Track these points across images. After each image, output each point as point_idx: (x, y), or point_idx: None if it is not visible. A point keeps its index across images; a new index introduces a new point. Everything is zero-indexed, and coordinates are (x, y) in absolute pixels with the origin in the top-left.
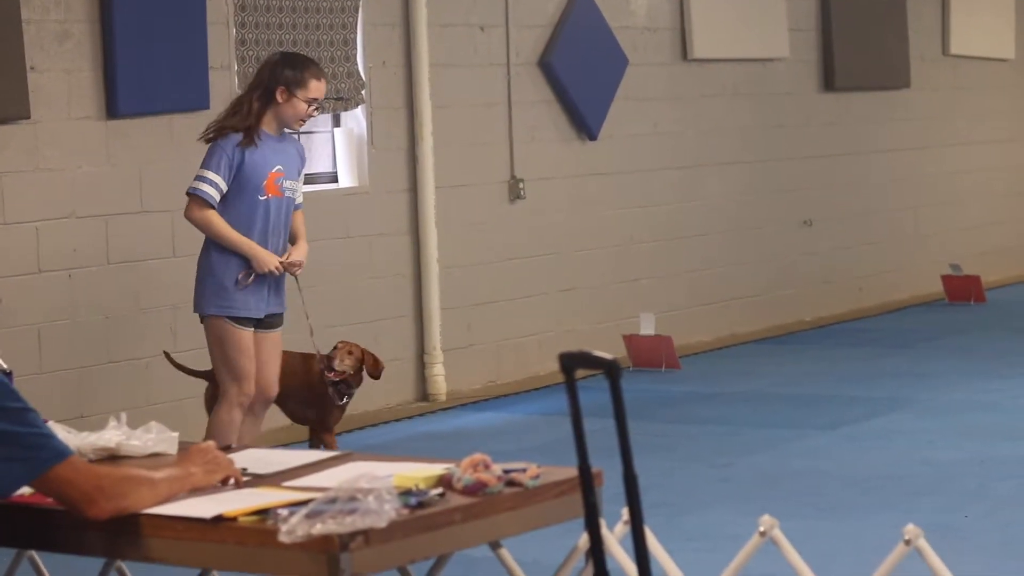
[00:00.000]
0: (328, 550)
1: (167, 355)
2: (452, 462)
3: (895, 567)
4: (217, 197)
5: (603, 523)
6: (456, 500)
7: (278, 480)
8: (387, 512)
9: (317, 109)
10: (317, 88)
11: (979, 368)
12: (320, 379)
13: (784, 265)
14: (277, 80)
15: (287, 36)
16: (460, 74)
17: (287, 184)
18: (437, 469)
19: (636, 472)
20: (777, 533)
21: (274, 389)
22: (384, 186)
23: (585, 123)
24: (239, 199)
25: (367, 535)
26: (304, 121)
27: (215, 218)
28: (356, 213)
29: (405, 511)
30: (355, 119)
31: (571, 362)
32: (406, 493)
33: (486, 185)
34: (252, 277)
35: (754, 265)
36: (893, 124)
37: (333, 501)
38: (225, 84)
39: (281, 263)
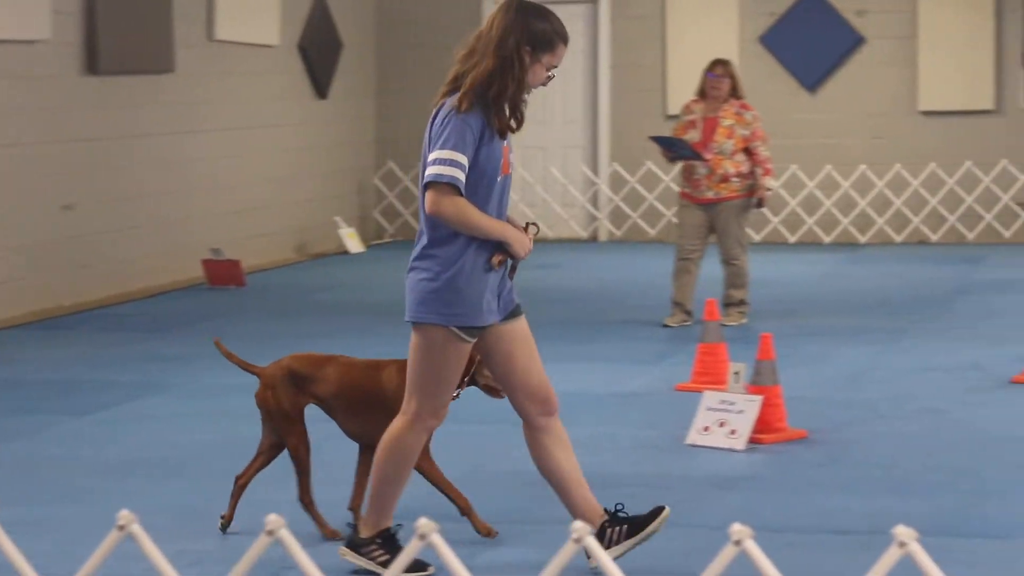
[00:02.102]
0: None
1: (218, 343)
2: None
3: (109, 552)
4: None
5: None
6: None
7: None
8: None
9: (549, 79)
10: (562, 53)
11: (236, 351)
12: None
13: (43, 249)
14: (523, 37)
15: None
16: None
17: (512, 158)
18: None
19: None
20: None
21: (552, 390)
22: None
23: None
24: (478, 182)
25: None
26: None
27: (469, 207)
28: None
29: None
30: None
31: None
32: None
33: None
34: (502, 261)
35: (11, 250)
36: (157, 109)
37: None
38: None
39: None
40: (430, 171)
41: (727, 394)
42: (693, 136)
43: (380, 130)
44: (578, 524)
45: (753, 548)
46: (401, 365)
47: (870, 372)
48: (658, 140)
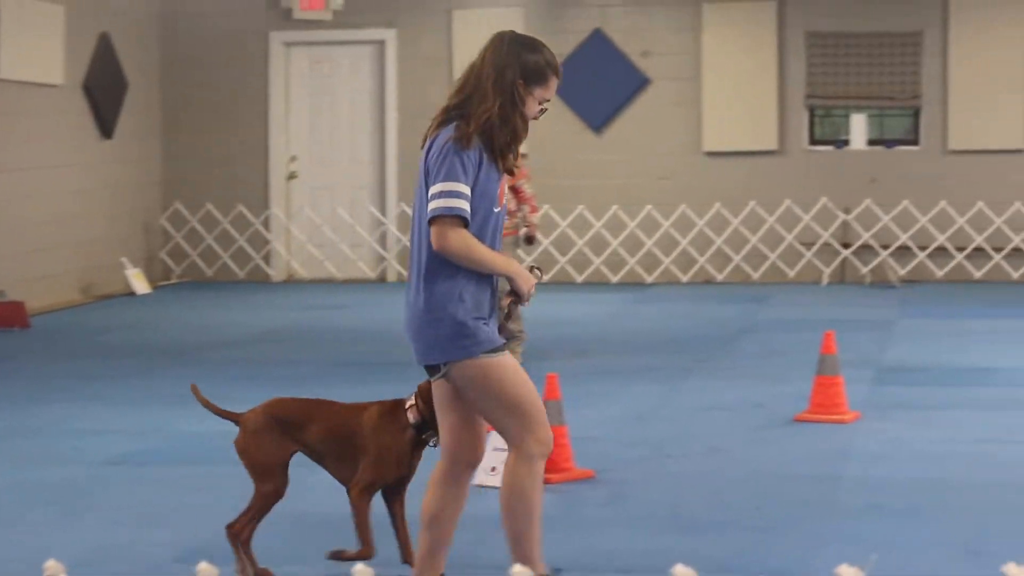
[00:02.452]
0: None
1: (194, 389)
2: None
3: None
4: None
5: None
6: None
7: None
8: None
9: (541, 112)
10: (555, 86)
11: (21, 394)
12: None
13: None
14: (516, 69)
15: None
16: None
17: (505, 188)
18: None
19: None
20: None
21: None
22: None
23: None
24: (474, 215)
25: None
26: None
27: (475, 241)
28: None
29: None
30: None
31: None
32: None
33: None
34: (511, 302)
35: None
36: None
37: None
38: None
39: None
40: (434, 205)
41: None
42: None
43: (166, 170)
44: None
45: None
46: (382, 407)
47: (656, 411)
48: None
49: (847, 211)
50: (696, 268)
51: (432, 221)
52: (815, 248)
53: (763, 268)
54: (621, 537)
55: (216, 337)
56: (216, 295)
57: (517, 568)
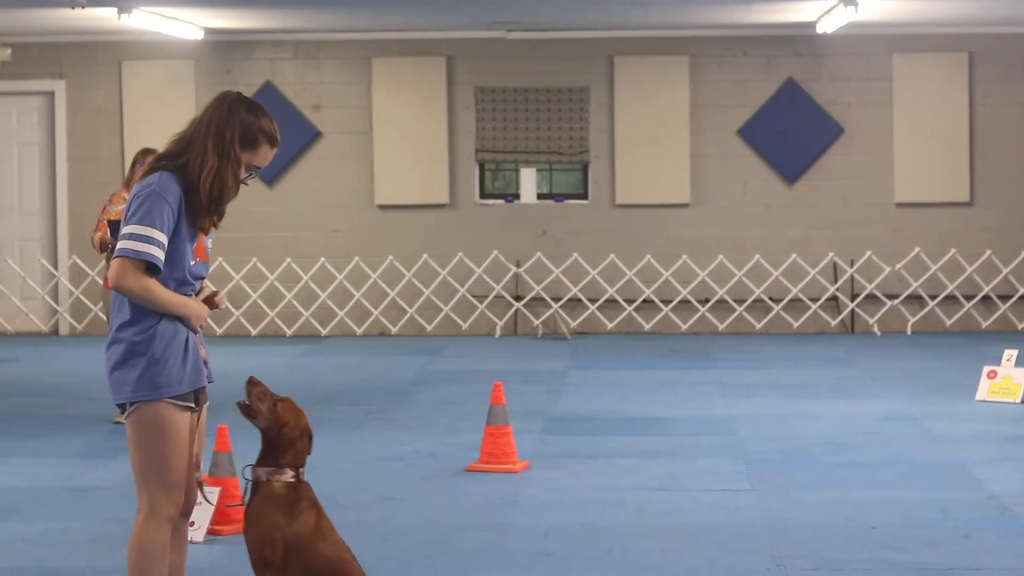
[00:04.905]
0: None
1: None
2: None
3: None
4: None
5: None
6: None
7: None
8: None
9: (250, 177)
10: (266, 155)
11: None
12: None
13: None
14: (234, 130)
15: None
16: None
17: (208, 243)
18: None
19: None
20: None
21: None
22: None
23: None
24: (175, 264)
25: None
26: None
27: (153, 283)
28: None
29: None
30: None
31: None
32: None
33: None
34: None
35: None
36: None
37: None
38: None
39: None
40: (124, 245)
41: None
42: None
43: None
44: None
45: None
46: None
47: (328, 462)
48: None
49: (519, 264)
50: (371, 320)
51: (115, 258)
52: (488, 301)
53: (437, 320)
54: None
55: None
56: None
57: None
